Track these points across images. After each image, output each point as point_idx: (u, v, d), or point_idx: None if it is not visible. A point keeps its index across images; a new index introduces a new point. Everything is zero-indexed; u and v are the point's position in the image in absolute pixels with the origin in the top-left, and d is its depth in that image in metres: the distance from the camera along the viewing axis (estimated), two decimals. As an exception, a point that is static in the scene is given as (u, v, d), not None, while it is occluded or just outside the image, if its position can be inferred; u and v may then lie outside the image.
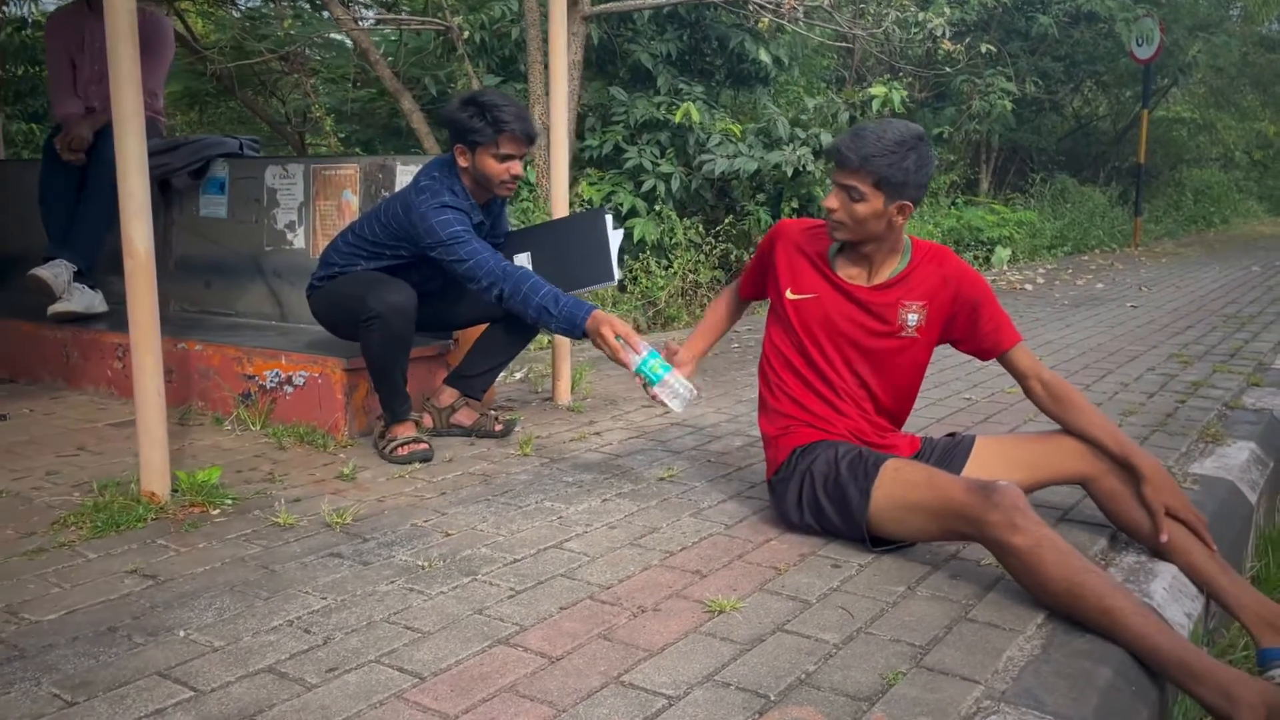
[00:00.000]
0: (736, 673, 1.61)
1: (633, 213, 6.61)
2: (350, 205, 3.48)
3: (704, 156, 6.70)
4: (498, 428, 3.09)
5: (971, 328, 2.28)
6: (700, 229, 6.92)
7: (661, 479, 2.68)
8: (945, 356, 3.65)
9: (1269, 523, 3.06)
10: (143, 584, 1.95)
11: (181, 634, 1.73)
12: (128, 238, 2.29)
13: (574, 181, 6.73)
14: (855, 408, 2.29)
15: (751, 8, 6.76)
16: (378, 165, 3.45)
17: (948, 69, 9.74)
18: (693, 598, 1.90)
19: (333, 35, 8.50)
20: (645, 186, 6.64)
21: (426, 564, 2.05)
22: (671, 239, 6.67)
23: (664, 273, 6.55)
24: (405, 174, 3.37)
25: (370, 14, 8.50)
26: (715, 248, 6.85)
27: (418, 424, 2.95)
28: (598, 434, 3.16)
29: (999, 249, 9.52)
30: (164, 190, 3.96)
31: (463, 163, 2.84)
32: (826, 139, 6.82)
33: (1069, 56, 12.63)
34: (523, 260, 3.13)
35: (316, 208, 3.58)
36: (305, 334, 3.39)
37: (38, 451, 2.87)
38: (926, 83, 10.88)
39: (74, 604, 1.86)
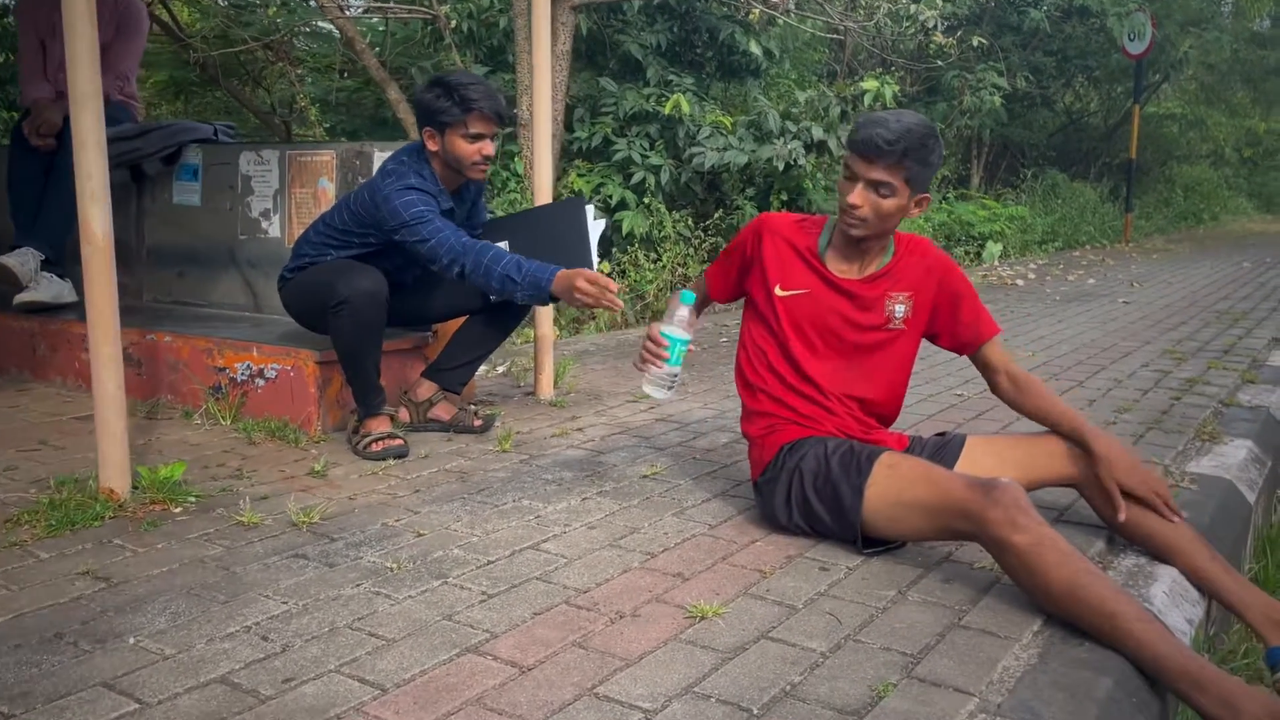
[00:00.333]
0: (718, 684, 1.52)
1: (622, 205, 6.51)
2: (327, 193, 3.38)
3: (694, 149, 6.61)
4: (477, 423, 3.00)
5: (953, 319, 2.23)
6: (690, 222, 6.83)
7: (644, 476, 2.59)
8: (937, 352, 3.57)
9: (1266, 522, 2.99)
10: (95, 586, 1.85)
11: (131, 641, 1.64)
12: (85, 222, 2.19)
13: (563, 174, 6.64)
14: (842, 406, 2.20)
15: (742, -2, 6.68)
16: (355, 152, 3.34)
17: (940, 62, 9.66)
18: (673, 602, 1.81)
19: (319, 24, 8.37)
20: (634, 179, 6.54)
21: (395, 566, 1.96)
22: (660, 232, 6.59)
23: (653, 266, 6.46)
24: (384, 161, 3.27)
25: (357, 2, 8.37)
26: (704, 241, 6.76)
27: (393, 419, 2.86)
28: (580, 430, 3.07)
29: (990, 244, 9.46)
30: (136, 177, 3.85)
31: (432, 146, 2.76)
32: (818, 133, 6.74)
33: (1061, 51, 12.61)
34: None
35: (292, 195, 3.48)
36: (279, 325, 3.29)
37: (-3, 446, 2.77)
38: (918, 77, 10.81)
39: (21, 607, 1.76)
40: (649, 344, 2.21)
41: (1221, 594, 1.93)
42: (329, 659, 1.58)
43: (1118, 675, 1.58)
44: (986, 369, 2.25)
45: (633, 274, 6.41)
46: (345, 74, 8.67)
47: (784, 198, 6.91)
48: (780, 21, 7.36)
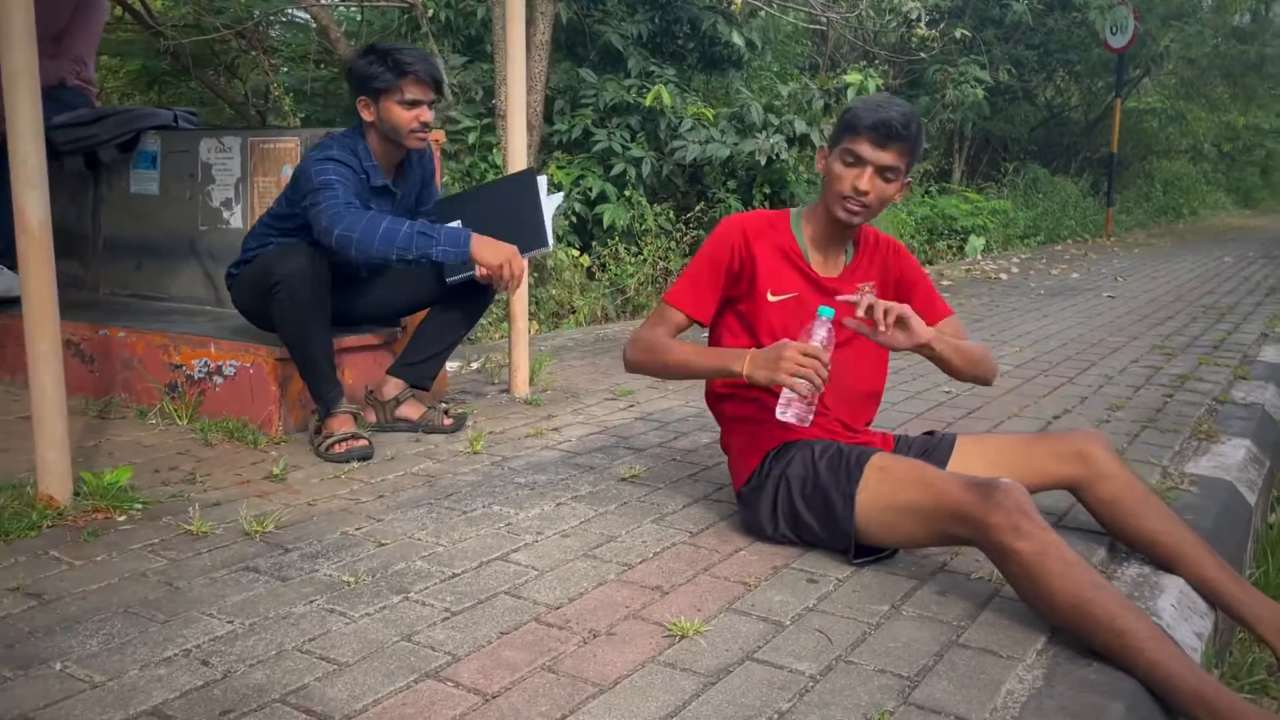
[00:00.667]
0: (699, 712, 1.40)
1: (602, 198, 6.37)
2: (291, 182, 3.22)
3: (676, 142, 6.48)
4: (447, 422, 2.86)
5: (913, 300, 2.13)
6: (671, 215, 6.69)
7: (622, 479, 2.47)
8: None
9: (1264, 524, 2.90)
10: (24, 604, 1.71)
11: (58, 666, 1.50)
12: (20, 209, 2.04)
13: (543, 165, 6.49)
14: (822, 407, 2.08)
15: (724, -13, 6.55)
16: (319, 138, 3.18)
17: (922, 55, 9.57)
18: (651, 619, 1.68)
19: (293, 12, 8.17)
20: (615, 171, 6.40)
21: (353, 579, 1.82)
22: (642, 225, 6.45)
23: (634, 260, 6.32)
24: None
25: (332, -10, 8.17)
26: (686, 235, 6.63)
27: (358, 418, 2.71)
28: (556, 430, 2.94)
29: (973, 238, 9.39)
30: (92, 165, 3.67)
31: (367, 116, 2.64)
32: (801, 126, 6.62)
33: (1043, 45, 12.57)
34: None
35: (254, 184, 3.32)
36: (240, 320, 3.13)
37: (-65, 448, 2.61)
38: (900, 70, 10.71)
39: (-59, 629, 1.61)
40: (815, 363, 1.84)
41: (1231, 606, 1.83)
42: (273, 687, 1.44)
43: (1129, 699, 1.47)
44: None
45: (614, 268, 6.27)
46: (321, 64, 8.47)
47: (766, 191, 6.79)
48: (762, 13, 7.24)
